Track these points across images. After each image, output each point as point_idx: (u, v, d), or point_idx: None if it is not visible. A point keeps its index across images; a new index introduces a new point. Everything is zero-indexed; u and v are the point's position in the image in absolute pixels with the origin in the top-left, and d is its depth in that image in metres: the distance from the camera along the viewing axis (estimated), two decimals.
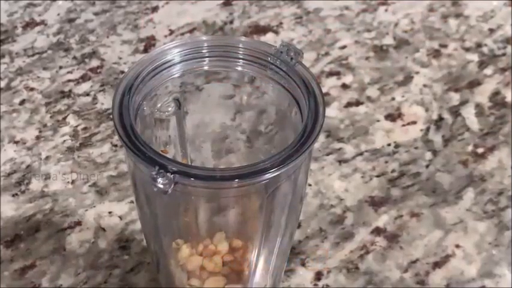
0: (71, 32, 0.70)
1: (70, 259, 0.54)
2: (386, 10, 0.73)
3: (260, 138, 0.47)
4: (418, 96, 0.65)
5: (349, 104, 0.64)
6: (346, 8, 0.73)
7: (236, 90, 0.45)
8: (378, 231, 0.56)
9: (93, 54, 0.68)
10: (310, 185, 0.58)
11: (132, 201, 0.56)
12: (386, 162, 0.60)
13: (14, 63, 0.67)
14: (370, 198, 0.58)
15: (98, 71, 0.67)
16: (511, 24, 0.72)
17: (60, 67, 0.67)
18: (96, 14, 0.72)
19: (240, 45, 0.43)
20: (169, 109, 0.45)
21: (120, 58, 0.68)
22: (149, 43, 0.69)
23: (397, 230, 0.56)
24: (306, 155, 0.39)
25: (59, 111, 0.63)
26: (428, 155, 0.61)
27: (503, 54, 0.69)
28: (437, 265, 0.54)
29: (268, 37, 0.69)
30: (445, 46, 0.70)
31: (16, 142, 0.61)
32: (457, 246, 0.55)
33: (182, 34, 0.70)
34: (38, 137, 0.61)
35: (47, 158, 0.60)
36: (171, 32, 0.70)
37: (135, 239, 0.55)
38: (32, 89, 0.65)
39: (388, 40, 0.70)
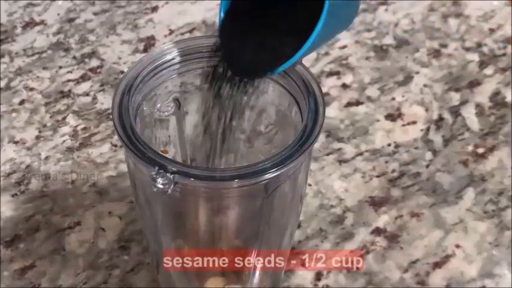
0: (70, 31, 0.70)
1: (70, 259, 0.54)
2: (386, 10, 0.73)
3: (260, 138, 0.47)
4: (418, 96, 0.65)
5: (349, 104, 0.64)
6: None
7: None
8: (378, 231, 0.56)
9: (93, 54, 0.68)
10: (310, 185, 0.58)
11: (132, 201, 0.56)
12: (386, 162, 0.60)
13: (13, 63, 0.67)
14: (370, 198, 0.58)
15: (98, 71, 0.67)
16: (511, 24, 0.72)
17: (60, 67, 0.67)
18: (95, 14, 0.72)
19: None
20: (169, 109, 0.45)
21: (120, 58, 0.68)
22: (149, 43, 0.69)
23: (397, 230, 0.56)
24: (306, 155, 0.39)
25: (59, 111, 0.63)
26: (429, 155, 0.61)
27: (503, 54, 0.69)
28: (437, 265, 0.54)
29: None
30: (445, 46, 0.70)
31: (16, 142, 0.61)
32: (457, 246, 0.55)
33: (182, 34, 0.70)
34: (37, 137, 0.61)
35: (47, 158, 0.60)
36: (171, 32, 0.70)
37: (135, 239, 0.55)
38: (31, 89, 0.65)
39: (388, 40, 0.70)
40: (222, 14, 0.36)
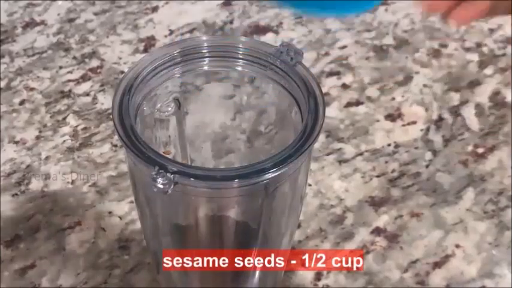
0: (71, 32, 0.70)
1: (70, 259, 0.54)
2: (386, 10, 0.73)
3: (260, 138, 0.47)
4: (418, 96, 0.65)
5: (349, 104, 0.64)
6: None
7: (236, 90, 0.45)
8: (378, 231, 0.56)
9: (93, 54, 0.68)
10: (310, 185, 0.58)
11: (132, 201, 0.56)
12: (386, 162, 0.60)
13: (14, 63, 0.67)
14: (370, 198, 0.58)
15: (98, 71, 0.67)
16: (511, 24, 0.72)
17: (60, 67, 0.67)
18: (96, 14, 0.72)
19: (240, 45, 0.43)
20: (169, 109, 0.45)
21: (120, 58, 0.68)
22: (149, 43, 0.69)
23: (397, 230, 0.56)
24: (306, 155, 0.39)
25: (59, 111, 0.63)
26: (429, 155, 0.61)
27: (503, 54, 0.69)
28: (437, 265, 0.54)
29: (268, 37, 0.69)
30: (445, 46, 0.70)
31: (16, 142, 0.61)
32: (457, 246, 0.55)
33: (182, 34, 0.70)
34: (38, 137, 0.61)
35: (47, 158, 0.60)
36: (171, 32, 0.70)
37: (135, 239, 0.55)
38: (32, 89, 0.65)
39: (388, 40, 0.70)
40: None
